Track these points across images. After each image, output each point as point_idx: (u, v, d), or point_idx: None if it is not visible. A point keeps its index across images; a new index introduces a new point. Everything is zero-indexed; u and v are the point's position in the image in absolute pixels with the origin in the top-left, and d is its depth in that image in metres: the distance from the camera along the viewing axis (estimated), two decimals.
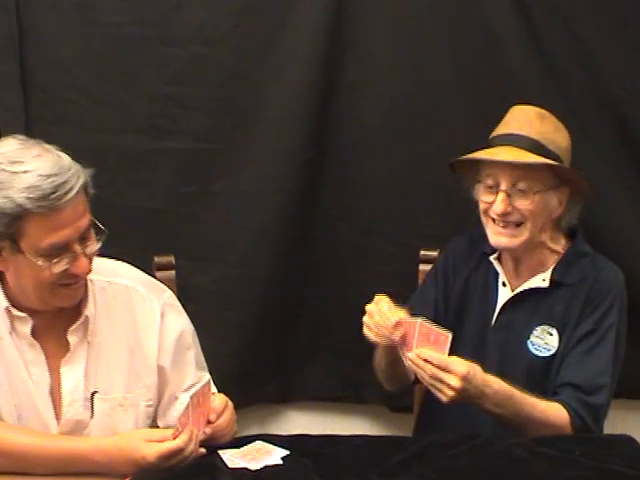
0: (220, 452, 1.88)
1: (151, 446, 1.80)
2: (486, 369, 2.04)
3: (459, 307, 2.38)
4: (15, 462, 1.86)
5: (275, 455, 1.88)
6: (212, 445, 1.91)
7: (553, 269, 2.29)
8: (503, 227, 2.23)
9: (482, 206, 2.27)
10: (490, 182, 2.23)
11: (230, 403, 1.99)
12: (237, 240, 2.82)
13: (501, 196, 2.20)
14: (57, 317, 1.99)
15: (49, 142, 2.04)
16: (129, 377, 2.04)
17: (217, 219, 2.82)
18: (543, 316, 2.27)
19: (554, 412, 2.11)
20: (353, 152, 2.79)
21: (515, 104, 2.31)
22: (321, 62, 2.74)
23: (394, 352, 2.12)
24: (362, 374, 2.74)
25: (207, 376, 2.14)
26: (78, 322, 1.99)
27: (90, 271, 1.94)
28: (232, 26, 2.73)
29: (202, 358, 2.18)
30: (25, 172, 1.81)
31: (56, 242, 1.84)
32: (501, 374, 2.10)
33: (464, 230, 2.45)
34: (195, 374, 2.09)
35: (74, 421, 1.98)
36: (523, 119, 2.25)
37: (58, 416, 1.99)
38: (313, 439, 2.03)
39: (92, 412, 2.01)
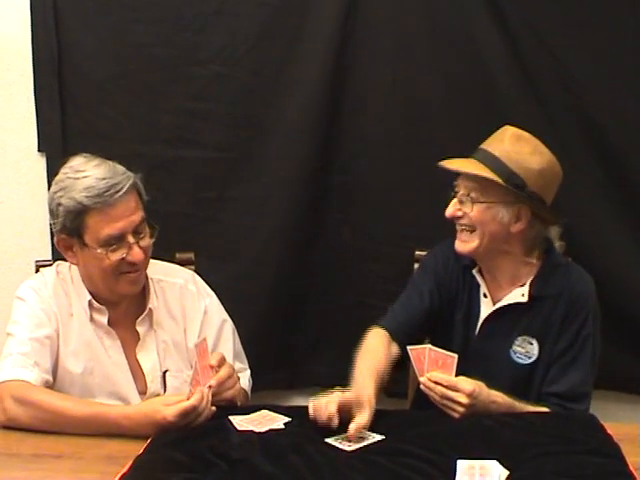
0: (230, 417, 2.10)
1: (170, 407, 2.02)
2: (472, 376, 2.16)
3: (447, 315, 2.45)
4: (52, 421, 2.08)
5: (279, 421, 2.10)
6: (222, 405, 2.13)
7: (530, 283, 2.34)
8: (460, 232, 2.33)
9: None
10: (456, 189, 2.33)
11: (227, 358, 2.22)
12: (251, 240, 3.01)
13: (453, 201, 2.32)
14: (129, 311, 2.31)
15: (84, 151, 2.26)
16: (185, 361, 2.34)
17: (233, 221, 3.01)
18: (523, 328, 2.36)
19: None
20: (356, 162, 2.97)
21: (506, 124, 2.38)
22: (328, 81, 2.92)
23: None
24: None
25: (247, 370, 2.43)
26: (144, 314, 2.32)
27: (145, 260, 2.22)
28: (249, 48, 2.92)
29: (242, 352, 2.45)
30: (85, 177, 2.16)
31: (113, 233, 2.15)
32: (486, 380, 2.19)
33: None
34: (233, 363, 2.30)
35: (154, 395, 2.26)
36: (498, 138, 2.33)
37: (141, 391, 2.28)
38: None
39: (165, 387, 2.31)
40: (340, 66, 2.92)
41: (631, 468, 1.87)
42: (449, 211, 2.33)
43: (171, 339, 2.35)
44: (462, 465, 1.85)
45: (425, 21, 2.89)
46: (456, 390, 2.13)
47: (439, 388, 2.15)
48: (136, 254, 2.19)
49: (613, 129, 2.86)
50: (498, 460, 1.85)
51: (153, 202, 2.87)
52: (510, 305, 2.37)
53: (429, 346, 2.19)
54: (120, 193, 2.15)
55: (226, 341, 2.39)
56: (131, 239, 2.18)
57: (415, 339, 2.37)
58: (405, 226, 2.99)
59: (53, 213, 2.20)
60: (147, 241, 2.24)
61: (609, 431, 2.06)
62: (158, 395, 2.28)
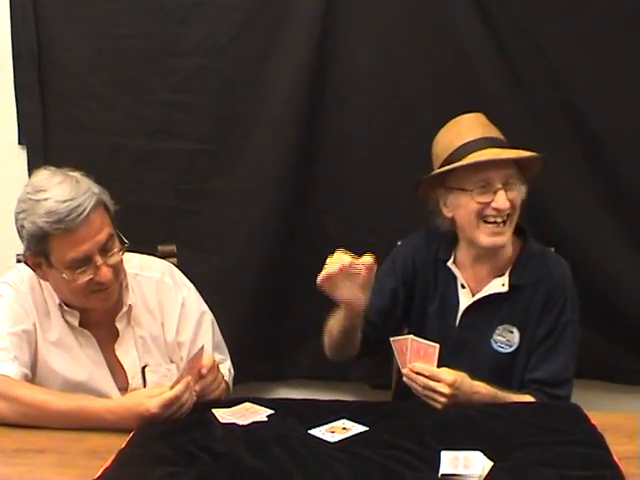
0: (213, 410, 2.09)
1: (153, 399, 2.01)
2: (454, 367, 2.17)
3: (420, 309, 2.48)
4: (34, 416, 2.06)
5: (262, 413, 2.09)
6: (205, 402, 2.13)
7: (510, 273, 2.36)
8: (499, 225, 2.29)
9: (474, 208, 2.28)
10: (482, 184, 2.27)
11: (216, 363, 2.21)
12: (234, 233, 2.99)
13: (502, 193, 2.26)
14: (104, 310, 2.27)
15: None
16: (164, 355, 2.33)
17: (215, 213, 3.00)
18: (504, 317, 2.38)
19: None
20: (338, 154, 2.96)
21: (488, 114, 2.40)
22: (309, 74, 2.90)
23: (351, 320, 2.28)
24: None
25: (227, 361, 2.41)
26: (122, 311, 2.29)
27: (114, 278, 2.17)
28: (230, 40, 2.91)
29: (222, 342, 2.44)
30: (45, 199, 2.08)
31: (77, 256, 2.10)
32: (468, 370, 2.20)
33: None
34: (212, 355, 2.27)
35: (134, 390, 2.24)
36: (477, 123, 2.35)
37: (121, 388, 2.26)
38: (296, 402, 2.27)
39: (144, 382, 2.29)
40: (322, 57, 2.91)
41: (615, 458, 1.87)
42: (505, 204, 2.26)
43: (149, 334, 2.33)
44: (446, 456, 1.85)
45: (408, 12, 2.87)
46: (438, 380, 2.13)
47: (421, 379, 2.15)
48: (104, 274, 2.14)
49: (598, 120, 2.86)
50: (482, 451, 1.85)
51: (135, 194, 2.93)
52: (490, 295, 2.38)
53: (411, 337, 2.19)
54: (82, 216, 2.08)
55: (205, 333, 2.37)
56: (98, 260, 2.13)
57: (374, 337, 2.41)
58: (387, 217, 2.97)
59: (19, 233, 2.16)
60: (116, 258, 2.18)
61: (593, 421, 2.06)
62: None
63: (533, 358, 2.36)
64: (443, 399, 2.13)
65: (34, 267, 2.19)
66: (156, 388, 2.12)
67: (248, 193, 3.00)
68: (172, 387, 2.04)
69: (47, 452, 1.99)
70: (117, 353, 2.30)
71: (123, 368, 2.30)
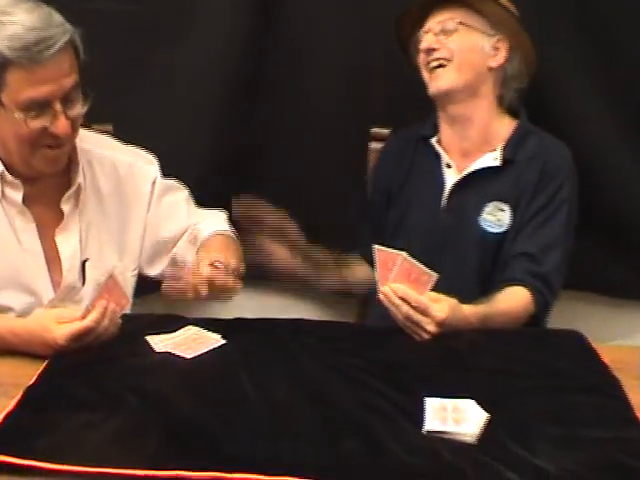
0: (148, 338, 1.76)
1: (61, 327, 1.71)
2: (438, 252, 2.09)
3: (405, 195, 2.33)
4: None
5: (211, 344, 1.76)
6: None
7: (503, 147, 2.23)
8: (431, 71, 2.22)
9: (419, 58, 2.26)
10: (425, 29, 2.23)
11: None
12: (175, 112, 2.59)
13: (427, 36, 2.22)
14: (49, 187, 2.01)
15: None
16: (118, 247, 2.09)
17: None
18: (494, 194, 2.23)
19: (517, 304, 2.08)
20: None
21: None
22: None
23: None
24: None
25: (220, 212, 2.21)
26: (71, 190, 2.02)
27: (71, 134, 1.92)
28: None
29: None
30: (12, 23, 1.80)
31: (36, 97, 1.83)
32: (453, 254, 2.15)
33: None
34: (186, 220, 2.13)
35: (70, 287, 2.00)
36: None
37: (56, 282, 2.00)
38: (251, 323, 1.92)
39: (83, 279, 2.03)
40: None
41: (636, 411, 1.54)
42: (424, 44, 2.23)
43: (101, 221, 2.07)
44: (432, 405, 1.52)
45: None
46: (426, 315, 1.83)
47: (405, 307, 1.83)
48: (62, 125, 1.87)
49: None
50: (474, 399, 1.53)
51: None
52: (480, 170, 2.25)
53: (404, 254, 1.83)
54: (52, 50, 1.80)
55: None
56: (58, 107, 1.86)
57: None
58: (360, 100, 2.59)
59: None
60: (78, 111, 1.91)
61: (604, 358, 1.75)
62: (74, 289, 2.01)
63: (522, 232, 2.20)
64: (426, 336, 1.84)
65: None
66: (68, 310, 1.81)
67: (196, 69, 2.57)
68: (84, 315, 1.72)
69: None
70: (57, 240, 2.01)
71: (60, 259, 2.02)
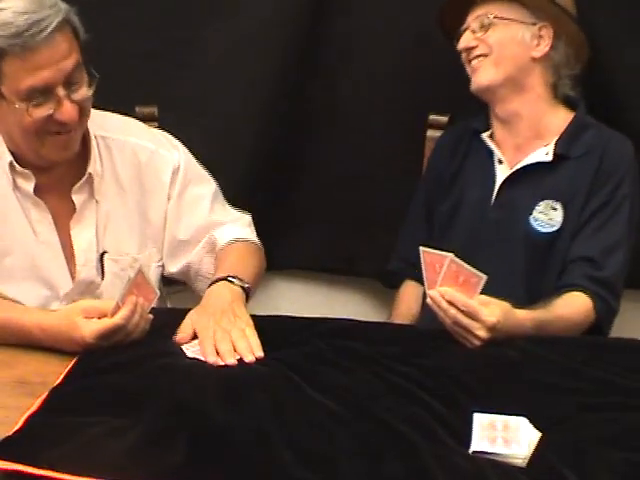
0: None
1: (90, 324, 1.66)
2: (484, 250, 2.05)
3: (456, 190, 2.27)
4: None
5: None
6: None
7: (556, 142, 2.16)
8: (473, 66, 2.18)
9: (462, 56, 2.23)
10: (464, 26, 2.19)
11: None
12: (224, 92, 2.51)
13: (466, 33, 2.19)
14: (62, 176, 1.94)
15: None
16: (140, 239, 2.02)
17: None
18: (546, 191, 2.15)
19: (576, 310, 2.00)
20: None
21: None
22: None
23: None
24: (356, 245, 2.56)
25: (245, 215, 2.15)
26: (82, 180, 1.94)
27: (79, 118, 1.83)
28: None
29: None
30: (1, 10, 1.74)
31: (36, 84, 1.76)
32: (500, 253, 2.09)
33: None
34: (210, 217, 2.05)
35: (87, 282, 1.95)
36: None
37: (73, 275, 1.96)
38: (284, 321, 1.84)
39: (102, 273, 1.97)
40: None
41: None
42: (461, 44, 2.20)
43: (121, 212, 1.99)
44: (480, 422, 1.41)
45: None
46: (475, 319, 1.73)
47: (453, 311, 1.74)
48: (67, 111, 1.79)
49: None
50: (526, 416, 1.41)
51: (108, 41, 2.37)
52: (531, 166, 2.17)
53: (451, 255, 1.73)
54: (45, 33, 1.72)
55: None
56: (61, 91, 1.78)
57: None
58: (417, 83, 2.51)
59: None
60: (83, 93, 1.82)
61: None
62: (92, 283, 1.96)
63: (579, 237, 2.12)
64: (477, 342, 1.75)
65: None
66: (98, 304, 1.73)
67: (247, 43, 2.47)
68: (113, 313, 1.66)
69: None
70: (72, 233, 1.95)
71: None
